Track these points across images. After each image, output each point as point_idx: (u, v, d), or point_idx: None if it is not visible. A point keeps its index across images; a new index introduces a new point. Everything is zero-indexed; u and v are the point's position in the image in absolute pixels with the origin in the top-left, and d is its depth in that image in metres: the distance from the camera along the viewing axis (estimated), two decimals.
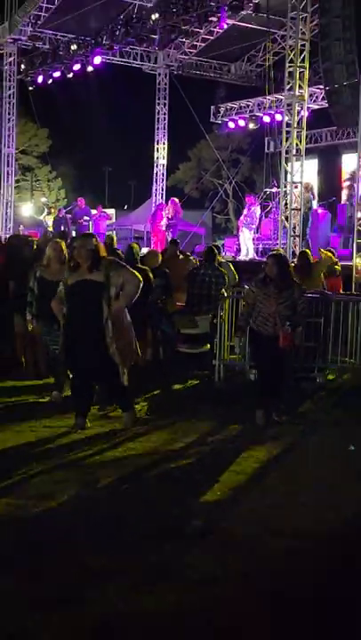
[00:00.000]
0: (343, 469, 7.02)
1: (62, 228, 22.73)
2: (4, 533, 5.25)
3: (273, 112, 25.20)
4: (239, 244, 21.09)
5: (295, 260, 13.05)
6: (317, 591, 4.53)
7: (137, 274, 7.77)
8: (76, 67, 23.34)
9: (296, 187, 17.45)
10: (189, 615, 4.18)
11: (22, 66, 25.23)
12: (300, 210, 17.42)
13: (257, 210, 22.24)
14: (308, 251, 13.71)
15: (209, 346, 11.23)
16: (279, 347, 8.04)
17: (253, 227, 21.60)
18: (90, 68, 23.39)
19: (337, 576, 4.79)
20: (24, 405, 9.25)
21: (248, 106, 27.37)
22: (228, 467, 7.08)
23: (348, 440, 7.89)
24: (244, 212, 22.18)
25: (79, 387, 8.27)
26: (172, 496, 6.14)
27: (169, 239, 19.80)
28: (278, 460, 7.36)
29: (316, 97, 20.10)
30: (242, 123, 27.77)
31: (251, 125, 27.65)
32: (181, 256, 14.66)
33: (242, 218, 21.97)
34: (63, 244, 9.70)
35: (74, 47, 23.15)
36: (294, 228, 17.34)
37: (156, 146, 27.90)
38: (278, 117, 22.51)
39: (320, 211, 20.65)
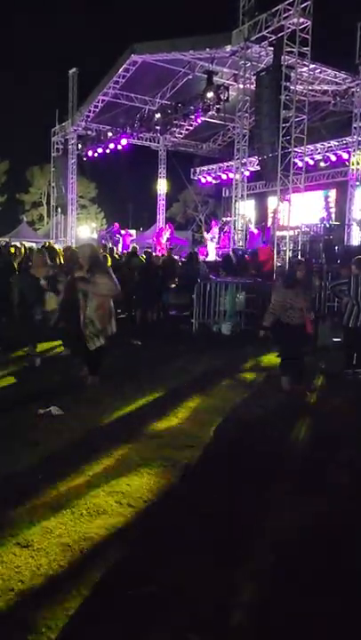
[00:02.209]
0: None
1: (103, 242, 22.51)
2: None
3: (227, 172, 24.96)
4: (208, 251, 20.90)
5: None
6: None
7: (108, 279, 6.26)
8: (111, 146, 22.85)
9: (241, 217, 17.28)
10: None
11: (79, 145, 24.68)
12: (242, 230, 17.28)
13: (216, 230, 22.12)
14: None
15: (189, 312, 11.17)
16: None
17: (215, 240, 21.47)
18: (119, 147, 22.93)
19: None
20: None
21: (213, 169, 26.95)
22: (191, 363, 7.38)
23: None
24: (209, 233, 22.06)
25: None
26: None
27: (167, 249, 19.64)
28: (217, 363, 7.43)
29: (253, 163, 19.74)
30: (209, 179, 27.40)
31: (214, 180, 27.35)
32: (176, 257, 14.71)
33: (208, 234, 21.82)
34: (46, 254, 8.44)
35: (110, 134, 22.65)
36: (240, 240, 17.23)
37: (158, 192, 27.54)
38: (231, 176, 22.21)
39: (255, 231, 20.46)
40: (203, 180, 27.85)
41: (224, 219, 24.31)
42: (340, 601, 2.68)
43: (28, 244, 19.94)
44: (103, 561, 2.91)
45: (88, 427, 5.03)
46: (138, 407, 5.69)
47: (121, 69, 20.15)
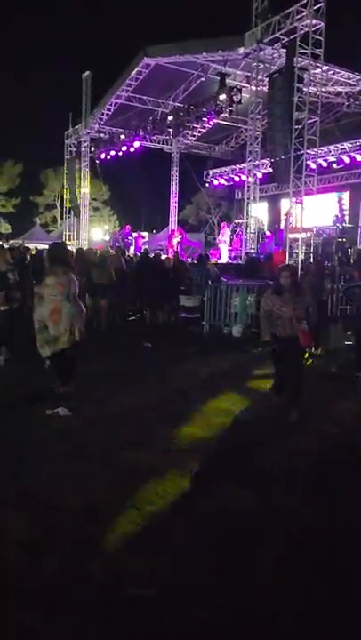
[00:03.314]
0: None
1: (116, 244, 22.62)
2: None
3: (240, 175, 24.90)
4: (220, 253, 20.88)
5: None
6: None
7: (55, 280, 5.72)
8: (124, 148, 23.00)
9: (254, 220, 17.27)
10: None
11: (92, 148, 24.84)
12: (255, 232, 17.27)
13: (228, 232, 22.02)
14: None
15: (200, 314, 11.16)
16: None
17: (226, 242, 21.41)
18: (132, 149, 23.03)
19: None
20: None
21: (226, 171, 26.92)
22: (200, 365, 7.38)
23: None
24: (220, 235, 21.97)
25: None
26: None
27: (177, 251, 19.67)
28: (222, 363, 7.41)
29: (265, 165, 19.72)
30: (222, 181, 27.35)
31: (226, 183, 27.27)
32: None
33: (220, 237, 21.78)
34: (6, 252, 8.08)
35: (122, 136, 22.79)
36: (252, 243, 17.22)
37: (171, 195, 27.61)
38: (243, 178, 22.15)
39: (268, 233, 20.41)
40: (215, 183, 27.81)
41: (236, 221, 24.25)
42: (339, 601, 2.66)
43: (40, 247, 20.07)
44: (105, 562, 2.92)
45: (95, 428, 5.05)
46: (146, 409, 5.69)
47: (134, 72, 20.25)
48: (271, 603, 2.66)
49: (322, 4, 13.58)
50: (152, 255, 13.58)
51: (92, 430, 4.97)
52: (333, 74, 16.04)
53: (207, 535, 3.22)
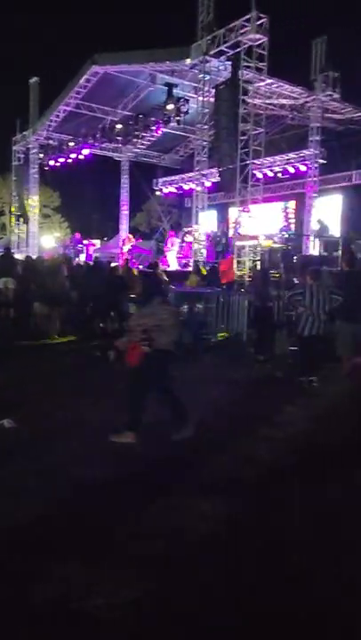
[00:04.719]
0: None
1: (67, 252, 22.34)
2: None
3: (189, 183, 25.09)
4: (168, 261, 20.86)
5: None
6: None
7: None
8: (73, 155, 22.81)
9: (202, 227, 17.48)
10: None
11: (41, 154, 24.52)
12: (203, 241, 17.47)
13: (177, 240, 21.96)
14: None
15: None
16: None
17: (175, 250, 21.39)
18: (81, 157, 22.86)
19: None
20: None
21: (175, 180, 27.11)
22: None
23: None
24: (168, 244, 21.84)
25: None
26: None
27: (128, 258, 19.60)
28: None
29: (214, 174, 19.97)
30: (172, 189, 27.48)
31: (176, 191, 27.39)
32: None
33: (168, 246, 21.76)
34: None
35: (71, 143, 22.62)
36: (200, 250, 17.43)
37: (121, 203, 27.56)
38: (192, 186, 22.34)
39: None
40: (165, 191, 27.91)
41: (185, 229, 24.41)
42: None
43: None
44: (58, 578, 2.88)
45: (43, 440, 4.94)
46: (95, 420, 5.60)
47: (82, 80, 20.14)
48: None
49: (265, 20, 13.96)
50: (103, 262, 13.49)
51: (39, 443, 4.87)
52: (277, 87, 16.47)
53: (165, 546, 3.22)
